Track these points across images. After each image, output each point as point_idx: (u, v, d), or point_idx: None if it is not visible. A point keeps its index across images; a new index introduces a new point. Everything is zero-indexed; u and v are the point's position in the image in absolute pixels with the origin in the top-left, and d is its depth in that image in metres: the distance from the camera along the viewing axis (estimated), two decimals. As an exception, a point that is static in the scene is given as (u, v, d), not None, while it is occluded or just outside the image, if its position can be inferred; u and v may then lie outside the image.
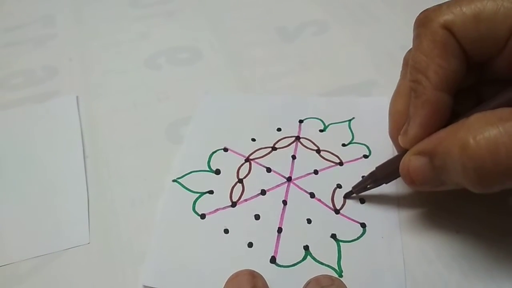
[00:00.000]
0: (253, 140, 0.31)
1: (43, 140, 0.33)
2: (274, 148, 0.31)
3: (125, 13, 0.45)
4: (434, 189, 0.24)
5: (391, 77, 0.29)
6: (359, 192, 0.28)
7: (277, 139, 0.31)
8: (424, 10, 0.25)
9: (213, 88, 0.36)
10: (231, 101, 0.35)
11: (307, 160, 0.30)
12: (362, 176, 0.28)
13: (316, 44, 0.40)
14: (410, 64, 0.25)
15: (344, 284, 0.22)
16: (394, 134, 0.27)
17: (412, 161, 0.24)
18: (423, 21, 0.24)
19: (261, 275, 0.23)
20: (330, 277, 0.23)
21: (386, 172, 0.27)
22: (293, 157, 0.30)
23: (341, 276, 0.24)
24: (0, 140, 0.33)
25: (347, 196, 0.28)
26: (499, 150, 0.20)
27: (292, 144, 0.31)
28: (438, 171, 0.23)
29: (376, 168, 0.27)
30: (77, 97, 0.36)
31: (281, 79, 0.36)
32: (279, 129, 0.32)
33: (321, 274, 0.23)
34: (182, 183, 0.29)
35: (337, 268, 0.25)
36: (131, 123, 0.34)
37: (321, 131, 0.32)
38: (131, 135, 0.33)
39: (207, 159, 0.30)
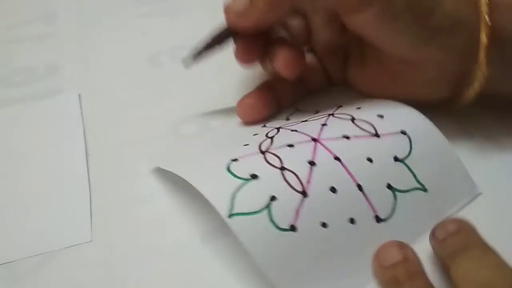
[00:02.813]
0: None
1: (45, 138, 0.33)
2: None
3: (128, 11, 0.45)
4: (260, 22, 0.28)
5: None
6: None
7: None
8: None
9: (215, 84, 0.36)
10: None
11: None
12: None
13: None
14: None
15: (475, 229, 0.22)
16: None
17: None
18: None
19: (409, 245, 0.23)
20: (458, 221, 0.22)
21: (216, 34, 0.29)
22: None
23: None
24: (2, 138, 0.33)
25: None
26: None
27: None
28: None
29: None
30: (79, 94, 0.36)
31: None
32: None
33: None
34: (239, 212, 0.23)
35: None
36: (133, 121, 0.34)
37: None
38: (133, 133, 0.33)
39: (233, 177, 0.24)
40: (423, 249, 0.24)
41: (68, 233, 0.27)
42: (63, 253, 0.26)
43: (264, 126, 0.31)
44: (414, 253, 0.22)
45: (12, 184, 0.30)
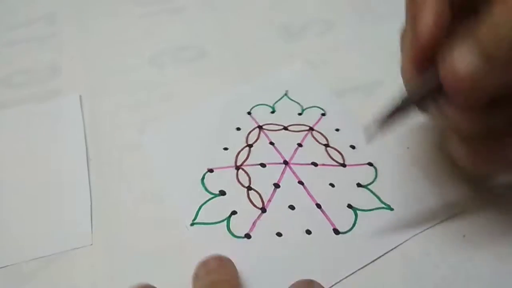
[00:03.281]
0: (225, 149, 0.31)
1: (46, 140, 0.33)
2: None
3: (129, 11, 0.44)
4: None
5: (397, 77, 0.29)
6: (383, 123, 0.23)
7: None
8: None
9: (218, 85, 0.36)
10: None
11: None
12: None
13: (320, 43, 0.39)
14: None
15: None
16: (407, 64, 0.23)
17: (456, 57, 0.17)
18: None
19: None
20: (309, 282, 0.23)
21: (421, 91, 0.21)
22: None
23: None
24: (2, 140, 0.33)
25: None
26: None
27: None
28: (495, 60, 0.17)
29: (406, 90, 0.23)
30: (80, 96, 0.36)
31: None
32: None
33: None
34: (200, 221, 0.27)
35: None
36: (134, 123, 0.34)
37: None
38: (134, 135, 0.33)
39: (203, 188, 0.29)
40: (390, 259, 0.25)
41: (68, 237, 0.27)
42: (63, 257, 0.26)
43: (249, 113, 0.33)
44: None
45: (12, 187, 0.30)
